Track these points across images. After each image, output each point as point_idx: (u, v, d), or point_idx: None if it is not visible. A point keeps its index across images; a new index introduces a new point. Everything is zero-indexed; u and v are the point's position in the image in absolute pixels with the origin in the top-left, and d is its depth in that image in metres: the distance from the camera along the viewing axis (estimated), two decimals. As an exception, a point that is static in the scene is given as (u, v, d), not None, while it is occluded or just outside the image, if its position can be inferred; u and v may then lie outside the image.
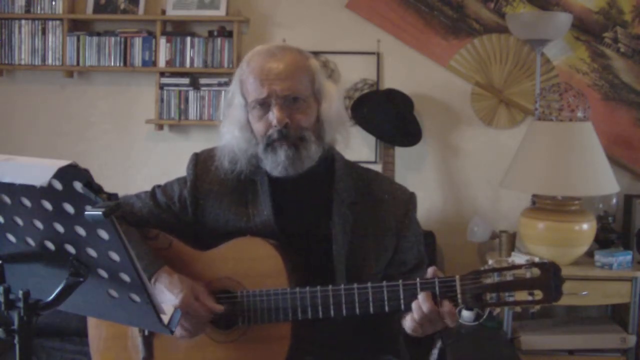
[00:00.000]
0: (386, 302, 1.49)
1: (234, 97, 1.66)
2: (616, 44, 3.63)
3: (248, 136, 1.64)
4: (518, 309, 1.43)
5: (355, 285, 1.51)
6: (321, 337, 1.62)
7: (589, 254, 3.33)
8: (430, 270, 1.48)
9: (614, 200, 3.59)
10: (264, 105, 1.60)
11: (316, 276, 1.58)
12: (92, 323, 1.81)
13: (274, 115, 1.58)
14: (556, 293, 1.40)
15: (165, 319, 1.32)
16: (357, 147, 3.78)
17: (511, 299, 1.42)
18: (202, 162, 1.75)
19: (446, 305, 1.43)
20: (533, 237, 3.28)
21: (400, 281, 1.48)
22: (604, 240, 3.46)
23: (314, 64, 1.66)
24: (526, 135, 3.35)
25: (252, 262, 1.62)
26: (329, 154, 1.68)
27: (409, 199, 1.72)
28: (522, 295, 1.41)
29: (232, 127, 1.66)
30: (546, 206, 3.30)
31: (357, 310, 1.51)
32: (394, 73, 3.75)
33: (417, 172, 3.79)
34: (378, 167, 3.65)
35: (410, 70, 3.74)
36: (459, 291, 1.43)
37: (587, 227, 3.24)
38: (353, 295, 1.51)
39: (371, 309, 1.50)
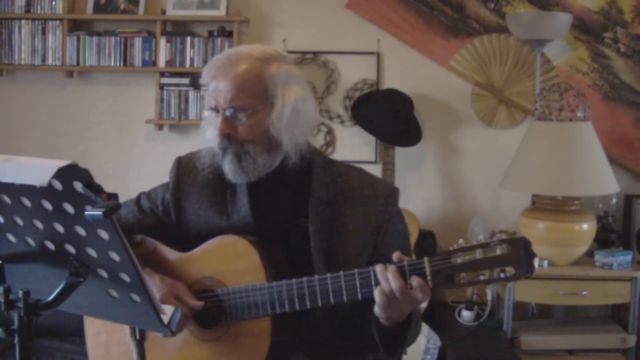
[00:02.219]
0: (359, 290, 1.50)
1: (208, 95, 1.70)
2: (616, 44, 3.63)
3: (215, 136, 1.67)
4: (491, 287, 1.41)
5: (328, 275, 1.52)
6: (306, 333, 1.64)
7: (589, 254, 3.33)
8: (395, 256, 1.47)
9: (614, 200, 3.59)
10: (215, 112, 1.64)
11: (296, 273, 1.59)
12: (88, 330, 1.83)
13: (217, 125, 1.63)
14: (528, 267, 1.38)
15: (165, 319, 1.32)
16: (357, 147, 3.78)
17: (483, 277, 1.39)
18: (184, 165, 1.79)
19: (415, 280, 1.42)
20: (533, 237, 3.23)
21: (371, 267, 1.47)
22: (604, 240, 3.46)
23: (273, 70, 1.63)
24: (526, 135, 3.35)
25: (231, 259, 1.64)
26: (307, 153, 1.69)
27: (390, 193, 1.71)
28: (493, 273, 1.39)
29: (207, 125, 1.71)
30: (546, 206, 3.30)
31: (332, 300, 1.52)
32: (394, 73, 3.75)
33: (417, 172, 3.79)
34: (378, 167, 3.65)
35: (410, 70, 3.75)
36: (428, 272, 1.42)
37: (587, 227, 3.24)
38: (327, 285, 1.52)
39: (345, 298, 1.51)
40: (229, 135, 1.62)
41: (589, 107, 3.27)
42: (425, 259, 1.43)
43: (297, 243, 1.65)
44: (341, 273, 1.51)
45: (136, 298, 1.23)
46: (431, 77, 3.75)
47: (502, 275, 1.39)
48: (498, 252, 1.39)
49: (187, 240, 1.74)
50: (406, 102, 3.61)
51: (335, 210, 1.67)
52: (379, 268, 1.45)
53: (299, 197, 1.67)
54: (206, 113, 1.68)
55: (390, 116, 3.57)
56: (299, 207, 1.66)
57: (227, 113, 1.61)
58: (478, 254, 1.40)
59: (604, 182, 3.20)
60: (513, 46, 3.68)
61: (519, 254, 1.38)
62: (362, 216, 1.67)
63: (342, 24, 3.75)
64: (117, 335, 1.75)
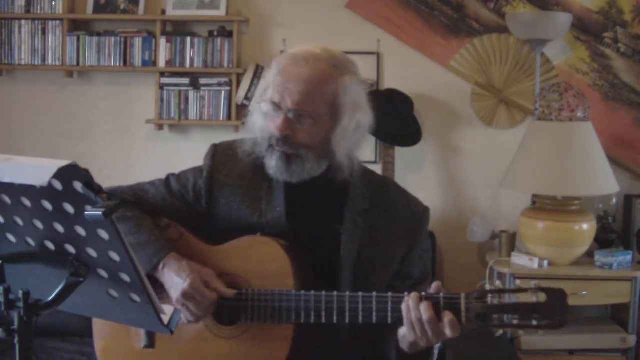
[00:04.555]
0: (389, 314, 1.49)
1: (268, 87, 1.64)
2: (616, 44, 3.63)
3: (266, 128, 1.64)
4: (521, 332, 1.43)
5: (360, 294, 1.51)
6: (322, 343, 1.62)
7: (589, 254, 3.33)
8: (435, 286, 1.46)
9: (614, 200, 3.59)
10: (278, 108, 1.60)
11: (322, 279, 1.58)
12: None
13: (277, 123, 1.59)
14: (561, 320, 1.38)
15: (166, 319, 1.32)
16: (357, 147, 3.78)
17: (515, 322, 1.40)
18: (220, 153, 1.75)
19: (447, 315, 1.41)
20: (533, 237, 3.28)
21: (406, 293, 1.47)
22: (604, 240, 3.46)
23: (346, 81, 1.60)
24: (526, 135, 3.35)
25: (260, 261, 1.62)
26: (348, 160, 1.67)
27: (423, 213, 1.74)
28: (526, 319, 1.39)
29: (258, 113, 1.66)
30: (546, 206, 3.30)
31: (360, 319, 1.51)
32: (394, 73, 3.75)
33: (417, 172, 3.79)
34: (378, 167, 3.65)
35: (410, 70, 3.74)
36: (463, 309, 1.42)
37: (587, 227, 3.24)
38: (357, 304, 1.51)
39: (374, 319, 1.50)
40: (286, 137, 1.58)
41: (589, 107, 3.27)
42: (462, 295, 1.43)
43: (326, 249, 1.63)
44: (374, 294, 1.50)
45: (136, 298, 1.23)
46: (431, 77, 3.74)
47: (534, 322, 1.39)
48: (534, 299, 1.40)
49: (213, 229, 1.71)
50: (406, 102, 3.61)
51: (370, 221, 1.66)
52: (413, 297, 1.45)
53: (336, 203, 1.66)
54: (264, 105, 1.63)
55: (390, 116, 3.57)
56: (334, 213, 1.65)
57: (291, 115, 1.57)
58: (514, 298, 1.41)
59: (604, 182, 3.19)
60: (513, 46, 3.68)
61: (554, 305, 1.39)
62: (394, 231, 1.67)
63: (342, 24, 3.75)
64: None
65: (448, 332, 1.41)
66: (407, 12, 3.71)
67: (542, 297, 1.40)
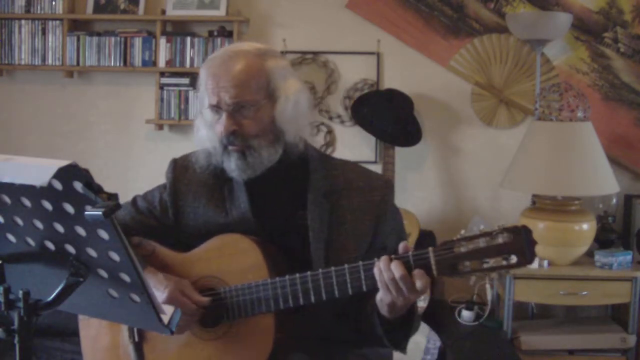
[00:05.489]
0: (363, 282, 1.52)
1: (204, 96, 1.71)
2: (616, 44, 3.63)
3: (212, 135, 1.69)
4: (494, 274, 1.44)
5: (333, 269, 1.54)
6: (306, 331, 1.65)
7: (589, 254, 3.33)
8: (402, 246, 1.50)
9: (614, 200, 3.59)
10: (218, 109, 1.65)
11: (296, 265, 1.61)
12: (84, 335, 1.83)
13: (222, 122, 1.63)
14: (530, 255, 1.42)
15: (165, 319, 1.32)
16: (357, 147, 3.78)
17: (486, 265, 1.43)
18: (179, 165, 1.81)
19: (416, 269, 1.45)
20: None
21: (375, 259, 1.49)
22: (604, 240, 3.46)
23: (272, 64, 1.67)
24: (526, 135, 3.35)
25: (233, 258, 1.65)
26: (302, 147, 1.72)
27: (385, 185, 1.76)
28: (496, 261, 1.43)
29: (202, 125, 1.72)
30: (546, 206, 3.30)
31: (337, 293, 1.54)
32: (394, 73, 3.75)
33: (417, 172, 3.79)
34: (378, 167, 3.65)
35: (410, 70, 3.74)
36: (433, 262, 1.45)
37: (587, 227, 3.24)
38: (331, 278, 1.54)
39: (350, 291, 1.53)
40: (234, 132, 1.63)
41: (589, 107, 3.27)
42: (430, 249, 1.46)
43: (295, 236, 1.67)
44: (345, 266, 1.53)
45: (136, 298, 1.23)
46: (431, 77, 3.74)
47: (504, 262, 1.43)
48: (500, 240, 1.43)
49: (184, 240, 1.75)
50: (406, 102, 3.61)
51: (333, 202, 1.69)
52: (383, 259, 1.48)
53: (297, 190, 1.70)
54: (204, 113, 1.69)
55: (390, 116, 3.57)
56: (298, 200, 1.69)
57: (232, 109, 1.62)
58: (481, 243, 1.44)
59: (604, 182, 3.19)
60: (513, 46, 3.68)
61: (521, 242, 1.42)
62: (360, 207, 1.70)
63: (342, 24, 3.75)
64: (114, 338, 1.75)
65: (418, 284, 1.44)
66: (407, 12, 3.71)
67: (508, 237, 1.43)
